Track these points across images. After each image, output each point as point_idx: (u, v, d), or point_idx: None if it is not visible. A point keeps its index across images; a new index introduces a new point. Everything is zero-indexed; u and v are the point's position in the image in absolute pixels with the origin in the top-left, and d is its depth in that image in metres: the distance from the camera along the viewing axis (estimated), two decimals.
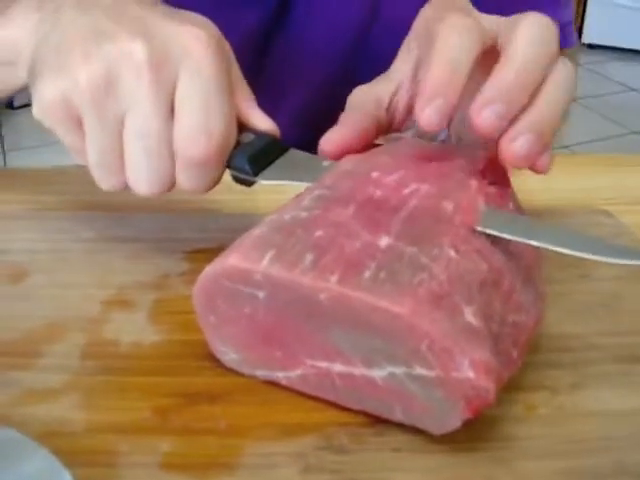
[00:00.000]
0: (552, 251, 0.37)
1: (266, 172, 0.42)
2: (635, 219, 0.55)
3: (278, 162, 0.43)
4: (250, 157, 0.42)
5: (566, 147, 2.46)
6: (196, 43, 0.39)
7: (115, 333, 0.43)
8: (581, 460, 0.36)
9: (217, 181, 0.42)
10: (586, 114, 2.77)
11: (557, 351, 0.42)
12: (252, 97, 0.43)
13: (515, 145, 0.38)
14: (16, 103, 2.60)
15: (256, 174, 0.42)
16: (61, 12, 0.42)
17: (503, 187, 0.41)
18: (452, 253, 0.35)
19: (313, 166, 0.42)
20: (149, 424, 0.37)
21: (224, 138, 0.40)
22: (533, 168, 0.40)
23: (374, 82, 0.46)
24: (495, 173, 0.41)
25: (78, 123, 0.40)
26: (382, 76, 0.46)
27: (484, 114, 0.38)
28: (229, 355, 0.39)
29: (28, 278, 0.47)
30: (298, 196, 0.39)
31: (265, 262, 0.35)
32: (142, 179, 0.41)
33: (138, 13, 0.41)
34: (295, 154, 0.43)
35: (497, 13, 0.72)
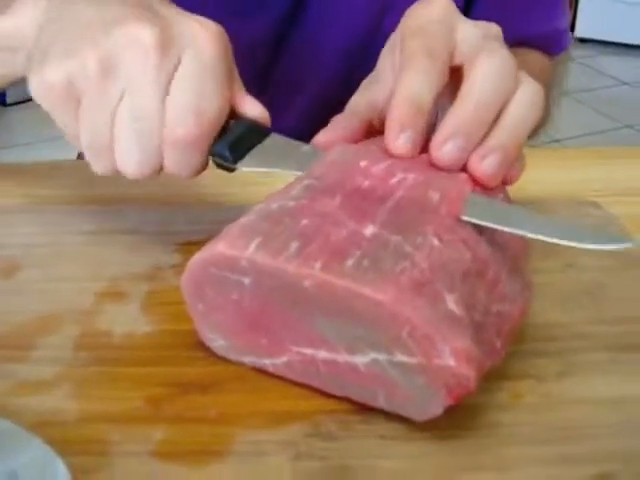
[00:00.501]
0: (537, 240, 0.37)
1: (246, 159, 0.42)
2: (623, 210, 0.55)
3: (258, 148, 0.43)
4: (231, 144, 0.42)
5: (558, 141, 2.46)
6: (202, 31, 0.41)
7: (108, 324, 0.43)
8: (566, 447, 0.36)
9: (203, 167, 0.43)
10: (578, 108, 2.78)
11: (543, 340, 0.43)
12: (243, 88, 0.44)
13: (484, 164, 0.39)
14: (9, 100, 2.59)
15: (236, 161, 0.42)
16: (70, 2, 0.43)
17: None
18: (435, 242, 0.36)
19: (292, 152, 0.43)
20: (141, 413, 0.37)
21: (213, 122, 0.41)
22: (502, 180, 0.41)
23: (366, 86, 0.47)
24: None
25: (76, 105, 0.41)
26: (372, 79, 0.47)
27: (444, 148, 0.39)
28: (217, 342, 0.40)
29: (22, 272, 0.48)
30: (287, 186, 0.40)
31: (251, 249, 0.35)
32: (131, 160, 0.41)
33: (149, 4, 0.42)
34: (275, 139, 0.44)
35: (501, 18, 0.73)
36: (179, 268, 0.47)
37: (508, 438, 0.37)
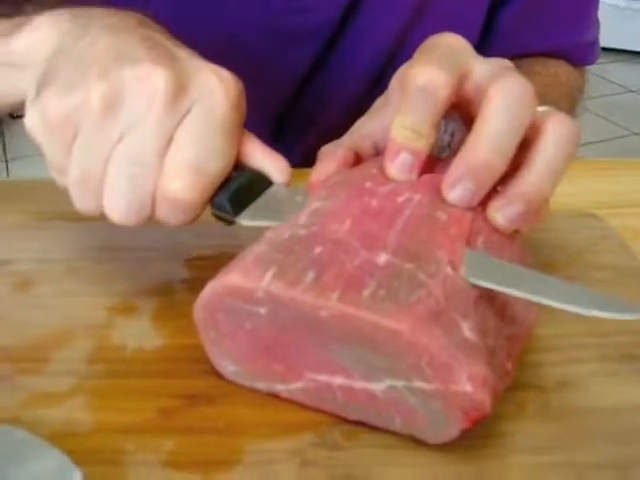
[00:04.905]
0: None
1: (246, 212, 0.41)
2: (622, 221, 0.56)
3: (259, 201, 0.41)
4: (231, 197, 0.40)
5: None
6: (219, 85, 0.39)
7: (120, 338, 0.44)
8: (567, 455, 0.37)
9: (196, 218, 0.41)
10: (584, 115, 2.77)
11: (545, 351, 0.43)
12: (254, 138, 0.42)
13: (498, 215, 0.38)
14: (17, 112, 2.61)
15: (236, 214, 0.41)
16: (89, 28, 0.41)
17: None
18: (449, 269, 0.36)
19: (291, 204, 0.41)
20: (153, 424, 0.38)
21: (213, 181, 0.39)
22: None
23: (374, 111, 0.46)
24: None
25: (71, 139, 0.39)
26: (381, 104, 0.45)
27: (454, 193, 0.38)
28: (229, 368, 0.40)
29: (35, 287, 0.49)
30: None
31: (266, 280, 0.35)
32: (119, 205, 0.39)
33: (168, 46, 0.40)
34: (276, 190, 0.42)
35: (531, 28, 0.69)
36: (188, 283, 0.49)
37: (511, 447, 0.37)
